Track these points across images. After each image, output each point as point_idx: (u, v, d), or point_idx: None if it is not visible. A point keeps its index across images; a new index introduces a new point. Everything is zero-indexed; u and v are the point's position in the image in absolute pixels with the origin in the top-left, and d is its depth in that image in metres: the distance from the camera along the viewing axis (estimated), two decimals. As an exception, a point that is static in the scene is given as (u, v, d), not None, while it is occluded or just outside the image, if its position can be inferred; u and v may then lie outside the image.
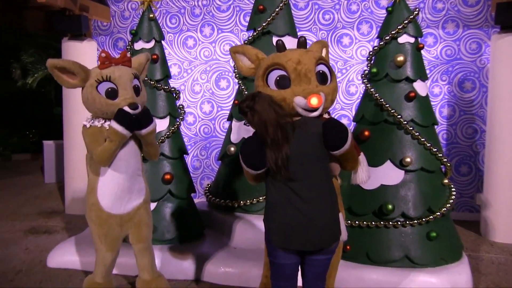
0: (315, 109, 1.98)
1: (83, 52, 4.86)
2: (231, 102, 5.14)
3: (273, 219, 1.98)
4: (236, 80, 4.00)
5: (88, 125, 2.44)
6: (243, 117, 1.97)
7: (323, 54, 2.28)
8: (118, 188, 2.48)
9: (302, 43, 2.11)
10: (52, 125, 8.11)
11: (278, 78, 2.00)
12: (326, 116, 2.13)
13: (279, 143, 1.89)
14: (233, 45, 5.20)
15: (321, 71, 2.03)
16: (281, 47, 2.09)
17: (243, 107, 1.92)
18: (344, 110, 4.96)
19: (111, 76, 2.39)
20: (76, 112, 4.75)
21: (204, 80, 5.28)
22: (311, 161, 1.94)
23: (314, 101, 1.95)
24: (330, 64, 2.16)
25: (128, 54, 2.75)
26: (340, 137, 1.93)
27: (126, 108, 2.36)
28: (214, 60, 5.26)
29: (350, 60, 4.96)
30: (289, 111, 1.99)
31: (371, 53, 3.32)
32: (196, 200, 4.08)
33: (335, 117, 3.39)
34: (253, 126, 1.93)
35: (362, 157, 2.19)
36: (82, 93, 2.46)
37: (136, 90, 2.48)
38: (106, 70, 2.41)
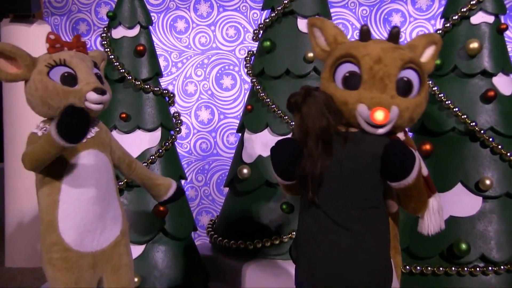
0: (380, 126, 2.16)
1: (31, 38, 4.94)
2: (240, 107, 5.46)
3: (302, 253, 2.21)
4: (248, 78, 4.27)
5: (40, 133, 2.59)
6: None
7: (427, 54, 2.42)
8: (87, 217, 2.60)
9: (394, 35, 2.26)
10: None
11: (347, 75, 2.19)
12: (400, 135, 2.29)
13: (315, 157, 2.11)
14: (240, 28, 5.58)
15: (405, 78, 2.19)
16: (365, 34, 2.26)
17: (290, 103, 2.16)
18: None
19: (66, 60, 2.59)
20: (22, 121, 4.87)
21: (201, 77, 5.52)
22: (359, 186, 2.14)
23: (379, 115, 2.11)
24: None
25: (86, 43, 2.93)
26: (403, 165, 2.08)
27: (90, 95, 2.54)
28: (214, 50, 5.49)
29: (403, 47, 5.23)
30: (349, 119, 2.19)
31: (433, 38, 3.58)
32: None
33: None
34: (294, 128, 2.18)
35: (434, 200, 2.34)
36: (26, 87, 2.62)
37: (99, 79, 2.70)
38: (58, 54, 2.61)
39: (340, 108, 2.18)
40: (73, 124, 2.33)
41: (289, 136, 2.27)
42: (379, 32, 5.23)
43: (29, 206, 5.01)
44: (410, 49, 2.30)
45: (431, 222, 2.34)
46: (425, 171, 2.32)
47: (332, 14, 5.16)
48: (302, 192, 2.24)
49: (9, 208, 5.19)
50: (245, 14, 5.47)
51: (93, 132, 2.71)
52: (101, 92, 2.60)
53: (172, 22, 5.53)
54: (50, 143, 2.37)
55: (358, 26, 5.23)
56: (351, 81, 2.19)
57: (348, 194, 2.15)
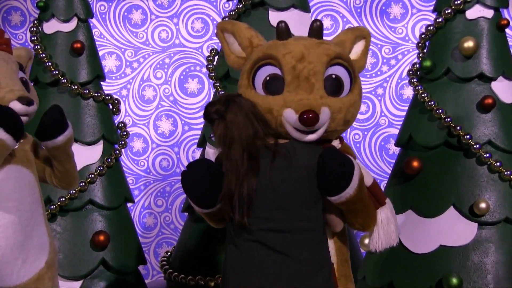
0: (311, 131, 2.33)
1: None
2: (205, 116, 5.59)
3: None
4: (212, 80, 4.41)
5: None
6: (209, 125, 2.40)
7: (356, 50, 2.60)
8: (5, 245, 2.69)
9: (315, 30, 2.44)
10: None
11: (267, 79, 2.35)
12: (335, 143, 2.47)
13: (240, 173, 2.23)
14: (208, 21, 5.65)
15: (333, 76, 2.37)
16: (283, 32, 2.43)
17: (211, 112, 2.27)
18: (394, 127, 5.39)
19: None
20: None
21: (161, 80, 5.68)
22: (295, 205, 2.30)
23: (307, 118, 2.26)
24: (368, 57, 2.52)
25: (10, 40, 3.05)
26: (340, 175, 2.24)
27: (15, 104, 2.67)
28: (177, 47, 5.68)
29: (404, 44, 5.42)
30: (276, 128, 2.35)
31: (423, 35, 3.75)
32: (147, 281, 4.49)
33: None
34: (216, 140, 2.29)
35: (382, 212, 2.49)
36: None
37: (25, 85, 2.84)
38: None
39: (265, 117, 2.34)
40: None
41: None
42: (376, 27, 5.43)
43: None
44: (337, 45, 2.48)
45: (379, 238, 2.49)
46: (369, 180, 2.47)
47: (318, 5, 5.41)
48: (227, 218, 2.37)
49: None
50: (214, 4, 5.65)
51: (15, 144, 2.77)
52: (27, 102, 2.75)
53: (126, 13, 5.70)
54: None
55: (351, 19, 5.46)
56: (273, 85, 2.35)
57: (284, 216, 2.30)
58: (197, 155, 5.56)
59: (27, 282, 2.83)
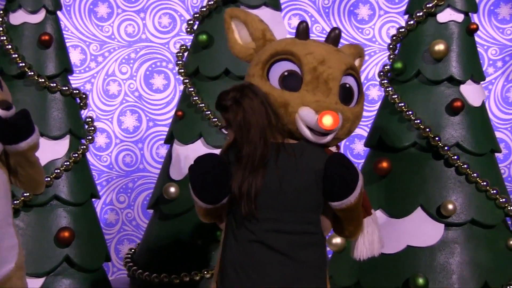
0: (326, 133, 2.35)
1: None
2: (171, 113, 5.54)
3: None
4: (181, 77, 4.37)
5: None
6: (221, 114, 2.41)
7: (356, 64, 2.67)
8: None
9: (335, 38, 2.51)
10: None
11: (285, 74, 2.37)
12: (333, 149, 2.50)
13: (255, 163, 2.25)
14: (176, 16, 5.74)
15: (347, 85, 2.43)
16: (304, 32, 2.48)
17: (226, 99, 2.31)
18: (359, 127, 5.35)
19: None
20: None
21: (126, 75, 5.63)
22: (302, 209, 2.33)
23: (328, 120, 2.28)
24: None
25: None
26: (346, 182, 2.28)
27: None
28: (144, 42, 5.62)
29: (371, 45, 5.46)
30: (287, 124, 2.36)
31: (394, 37, 3.80)
32: (109, 278, 4.45)
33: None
34: (233, 128, 2.30)
35: (369, 221, 2.53)
36: None
37: None
38: None
39: (277, 110, 2.35)
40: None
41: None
42: (343, 27, 5.46)
43: None
44: (347, 54, 2.54)
45: (363, 246, 2.52)
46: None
47: (287, 4, 5.42)
48: (224, 215, 2.40)
49: None
50: (182, -1, 5.64)
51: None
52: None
53: (91, 6, 5.63)
54: None
55: (319, 19, 5.48)
56: (291, 81, 2.37)
57: (289, 218, 2.33)
58: (162, 151, 5.57)
59: None
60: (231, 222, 2.37)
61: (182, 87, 5.45)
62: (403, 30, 3.77)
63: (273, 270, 2.30)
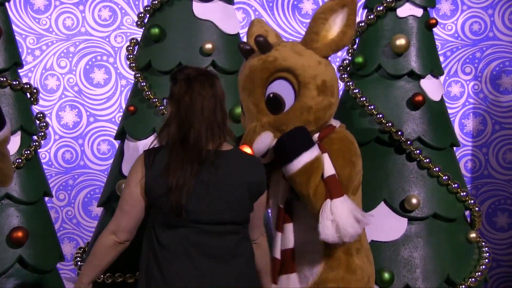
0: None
1: None
2: (116, 108, 5.51)
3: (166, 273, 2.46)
4: (128, 72, 4.33)
5: None
6: (170, 84, 2.51)
7: (337, 23, 2.76)
8: None
9: (258, 46, 2.70)
10: None
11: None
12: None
13: (195, 156, 2.40)
14: (116, 9, 5.63)
15: (271, 95, 2.66)
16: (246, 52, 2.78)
17: (180, 73, 2.49)
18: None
19: None
20: None
21: (65, 69, 5.52)
22: (229, 211, 2.49)
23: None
24: None
25: None
26: (285, 150, 2.59)
27: None
28: (83, 35, 5.52)
29: (315, 39, 5.51)
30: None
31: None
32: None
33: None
34: (173, 101, 2.46)
35: (333, 205, 2.65)
36: None
37: None
38: None
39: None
40: None
41: None
42: (288, 22, 5.48)
43: None
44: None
45: (323, 227, 2.64)
46: (329, 171, 2.68)
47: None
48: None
49: None
50: (125, -10, 5.55)
51: None
52: None
53: (28, -2, 5.50)
54: None
55: (263, 13, 5.48)
56: None
57: (220, 218, 2.50)
58: (103, 147, 5.50)
59: None
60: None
61: (124, 81, 5.46)
62: (362, 24, 3.80)
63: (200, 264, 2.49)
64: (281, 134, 2.67)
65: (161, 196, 2.41)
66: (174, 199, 2.37)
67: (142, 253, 2.54)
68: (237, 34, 4.29)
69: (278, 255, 2.82)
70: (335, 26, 2.75)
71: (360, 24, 3.80)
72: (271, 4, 5.52)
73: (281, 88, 2.66)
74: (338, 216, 2.66)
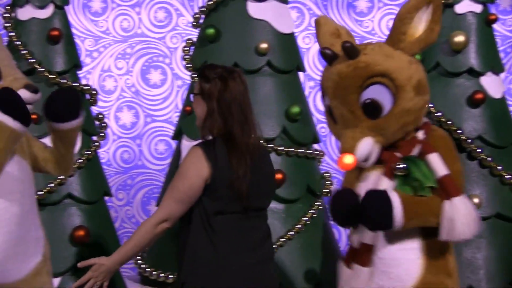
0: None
1: None
2: (172, 108, 5.52)
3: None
4: (185, 73, 4.36)
5: None
6: (200, 82, 2.59)
7: (422, 21, 2.63)
8: (9, 239, 2.67)
9: (346, 51, 2.55)
10: None
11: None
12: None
13: (245, 149, 2.53)
14: (172, 11, 5.69)
15: (367, 101, 2.53)
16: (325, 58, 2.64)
17: (212, 72, 2.55)
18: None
19: None
20: None
21: (122, 71, 5.57)
22: (267, 198, 2.68)
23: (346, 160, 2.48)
24: None
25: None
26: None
27: (22, 93, 2.62)
28: (139, 37, 5.57)
29: (370, 38, 5.39)
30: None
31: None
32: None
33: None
34: (210, 98, 2.52)
35: (450, 205, 2.51)
36: None
37: None
38: None
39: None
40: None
41: None
42: (342, 20, 5.44)
43: None
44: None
45: (445, 228, 2.49)
46: (441, 172, 2.53)
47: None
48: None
49: None
50: (180, -8, 5.58)
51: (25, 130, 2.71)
52: (34, 90, 2.69)
53: (85, 1, 5.56)
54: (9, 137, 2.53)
55: (317, 11, 5.47)
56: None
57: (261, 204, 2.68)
58: (160, 147, 5.53)
59: (26, 277, 2.79)
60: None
61: (180, 82, 5.51)
62: (419, 22, 3.76)
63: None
64: (381, 138, 2.60)
65: (225, 186, 2.51)
66: (240, 189, 2.51)
67: (189, 240, 2.59)
68: (292, 33, 4.30)
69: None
70: (421, 23, 2.66)
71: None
72: (325, 3, 5.49)
73: (378, 93, 2.56)
74: (460, 215, 2.60)
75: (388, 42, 2.66)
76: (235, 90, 2.54)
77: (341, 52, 2.60)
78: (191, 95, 2.76)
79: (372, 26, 5.47)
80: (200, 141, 2.61)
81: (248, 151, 2.55)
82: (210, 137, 2.58)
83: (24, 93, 2.65)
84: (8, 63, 2.73)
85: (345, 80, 2.57)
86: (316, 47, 5.33)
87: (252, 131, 2.60)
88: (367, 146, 2.52)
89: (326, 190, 4.11)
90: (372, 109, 2.55)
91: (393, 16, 5.21)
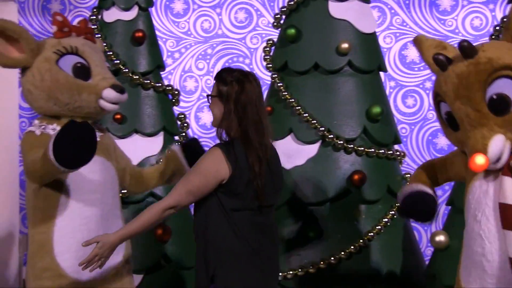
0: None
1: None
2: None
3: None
4: (265, 73, 4.37)
5: (38, 132, 2.77)
6: (217, 84, 2.74)
7: None
8: (88, 237, 2.71)
9: (464, 51, 2.49)
10: None
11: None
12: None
13: (261, 149, 2.71)
14: (252, 11, 5.74)
15: (494, 96, 2.45)
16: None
17: (230, 75, 2.72)
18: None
19: (78, 48, 2.76)
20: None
21: (203, 71, 5.64)
22: (276, 196, 2.86)
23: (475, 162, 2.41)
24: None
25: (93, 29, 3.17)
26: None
27: (109, 92, 2.74)
28: (220, 37, 5.63)
29: (454, 36, 5.29)
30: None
31: (497, 28, 3.78)
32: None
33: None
34: (228, 100, 2.67)
35: None
36: (25, 75, 2.79)
37: None
38: (68, 40, 2.79)
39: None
40: (75, 147, 2.46)
41: None
42: (424, 19, 5.37)
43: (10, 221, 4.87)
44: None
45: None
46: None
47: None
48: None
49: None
50: (261, -7, 5.62)
51: (97, 135, 2.75)
52: (120, 90, 2.78)
53: (167, 3, 5.67)
54: (48, 163, 2.47)
55: (399, 11, 5.42)
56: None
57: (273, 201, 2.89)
58: (239, 147, 5.56)
59: (106, 276, 2.87)
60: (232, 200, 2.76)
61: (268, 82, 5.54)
62: (506, 20, 3.65)
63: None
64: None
65: (243, 185, 2.67)
66: (258, 186, 2.68)
67: (210, 236, 2.74)
68: (374, 33, 4.26)
69: None
70: None
71: (504, 20, 3.68)
72: (407, 2, 5.43)
73: (505, 87, 2.49)
74: None
75: (504, 39, 2.61)
76: (251, 92, 2.70)
77: (454, 56, 2.55)
78: (208, 97, 2.82)
79: (456, 25, 5.36)
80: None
81: (262, 150, 2.70)
82: (226, 137, 2.78)
83: (109, 92, 2.75)
84: (100, 64, 2.82)
85: (467, 78, 2.49)
86: (397, 46, 5.30)
87: (265, 131, 2.75)
88: (499, 143, 2.41)
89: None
90: (500, 104, 2.45)
91: (478, 15, 5.25)
